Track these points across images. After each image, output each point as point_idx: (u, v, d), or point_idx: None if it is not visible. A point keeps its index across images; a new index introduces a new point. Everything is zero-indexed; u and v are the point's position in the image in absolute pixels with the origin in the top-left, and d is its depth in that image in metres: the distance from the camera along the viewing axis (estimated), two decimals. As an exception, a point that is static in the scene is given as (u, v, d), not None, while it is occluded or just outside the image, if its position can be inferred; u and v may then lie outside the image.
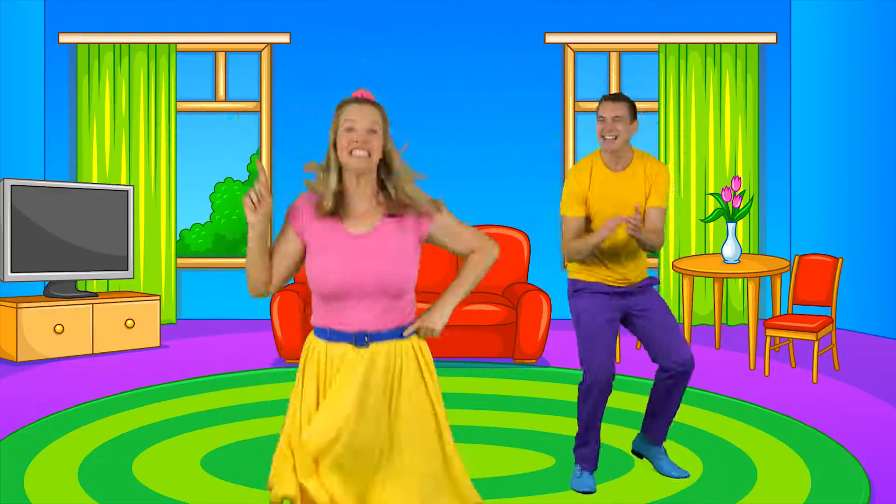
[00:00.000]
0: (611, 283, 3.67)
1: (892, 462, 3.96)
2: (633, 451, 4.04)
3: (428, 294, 6.24)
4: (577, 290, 3.71)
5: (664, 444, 3.97)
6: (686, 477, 3.76)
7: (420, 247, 2.45)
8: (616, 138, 3.57)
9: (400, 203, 2.40)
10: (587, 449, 3.71)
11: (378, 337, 2.37)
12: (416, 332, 2.44)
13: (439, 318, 2.47)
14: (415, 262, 2.41)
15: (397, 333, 2.40)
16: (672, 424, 3.89)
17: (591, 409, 3.65)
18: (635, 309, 3.69)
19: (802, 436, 4.35)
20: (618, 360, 6.63)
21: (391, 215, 2.41)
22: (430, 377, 2.44)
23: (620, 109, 3.58)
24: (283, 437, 2.40)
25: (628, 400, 4.99)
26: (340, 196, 2.42)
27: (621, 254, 3.65)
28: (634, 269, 3.69)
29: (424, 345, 2.47)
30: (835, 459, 3.98)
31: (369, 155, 2.37)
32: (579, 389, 3.67)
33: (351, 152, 2.37)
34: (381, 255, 2.36)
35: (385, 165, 2.43)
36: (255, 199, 2.34)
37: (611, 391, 3.66)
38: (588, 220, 3.67)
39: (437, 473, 2.39)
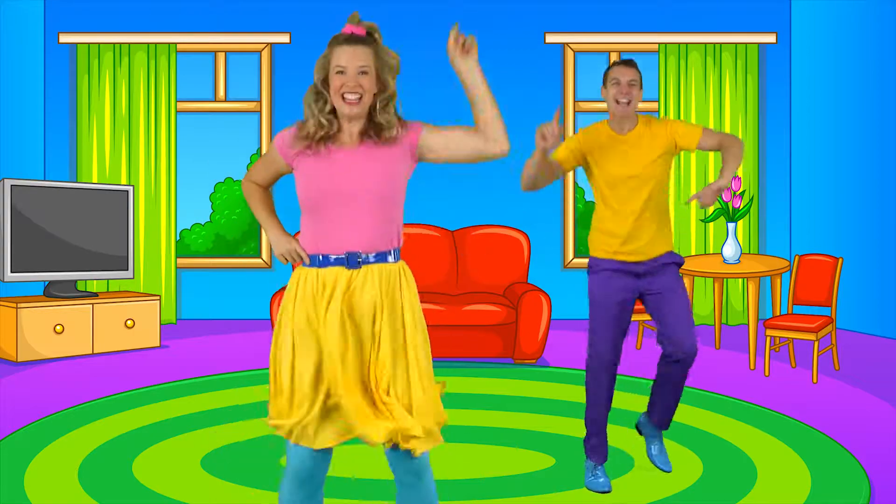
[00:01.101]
0: (623, 259, 3.61)
1: (892, 462, 3.96)
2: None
3: (429, 294, 6.24)
4: (592, 268, 3.69)
5: (665, 433, 3.98)
6: (667, 472, 3.78)
7: (410, 166, 2.46)
8: (629, 102, 3.55)
9: (386, 129, 2.43)
10: (595, 440, 3.71)
11: (369, 260, 2.41)
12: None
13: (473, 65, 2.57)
14: (403, 174, 2.43)
15: (385, 257, 2.43)
16: (673, 417, 3.85)
17: (594, 392, 3.66)
18: (650, 290, 3.63)
19: (802, 436, 4.35)
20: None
21: (374, 134, 2.43)
22: (414, 300, 2.48)
23: (635, 74, 3.58)
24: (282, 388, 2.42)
25: (629, 400, 4.99)
26: (329, 124, 2.45)
27: (633, 226, 3.57)
28: (650, 243, 3.59)
29: (408, 270, 2.51)
30: (835, 459, 3.98)
31: (360, 98, 2.39)
32: (586, 370, 3.71)
33: (343, 96, 2.38)
34: (369, 164, 2.39)
35: (379, 101, 2.44)
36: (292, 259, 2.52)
37: (614, 376, 3.66)
38: (562, 169, 3.67)
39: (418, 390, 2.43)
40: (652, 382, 3.87)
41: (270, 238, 2.58)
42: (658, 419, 3.83)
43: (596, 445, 3.72)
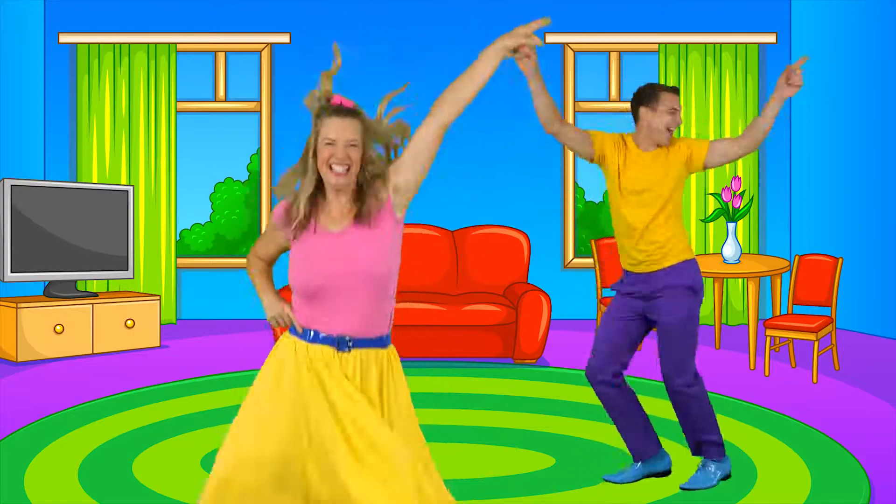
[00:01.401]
0: (629, 269, 3.66)
1: (892, 462, 3.96)
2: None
3: (429, 294, 6.24)
4: (613, 286, 3.79)
5: (665, 434, 3.98)
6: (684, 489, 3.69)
7: (398, 227, 2.44)
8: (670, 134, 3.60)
9: (369, 210, 2.40)
10: (628, 440, 3.74)
11: (360, 344, 2.38)
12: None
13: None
14: (394, 252, 2.42)
15: (379, 343, 2.41)
16: (702, 442, 3.71)
17: (597, 394, 3.70)
18: (653, 316, 3.64)
19: (802, 436, 4.35)
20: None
21: (362, 218, 2.40)
22: (403, 385, 2.46)
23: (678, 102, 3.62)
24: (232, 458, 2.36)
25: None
26: (315, 201, 2.44)
27: (639, 236, 3.59)
28: (655, 254, 3.59)
29: (395, 353, 2.48)
30: (835, 459, 3.98)
31: (348, 170, 2.38)
32: None
33: (331, 167, 2.38)
34: (361, 248, 2.37)
35: (363, 172, 2.42)
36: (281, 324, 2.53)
37: (608, 392, 3.65)
38: (588, 141, 3.67)
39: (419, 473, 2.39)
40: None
41: (263, 300, 2.60)
42: (692, 444, 3.75)
43: (630, 447, 3.74)
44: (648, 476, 3.74)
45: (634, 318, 3.67)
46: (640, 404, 3.73)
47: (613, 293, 3.76)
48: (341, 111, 2.43)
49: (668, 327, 3.59)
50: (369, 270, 2.36)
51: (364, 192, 2.41)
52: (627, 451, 4.12)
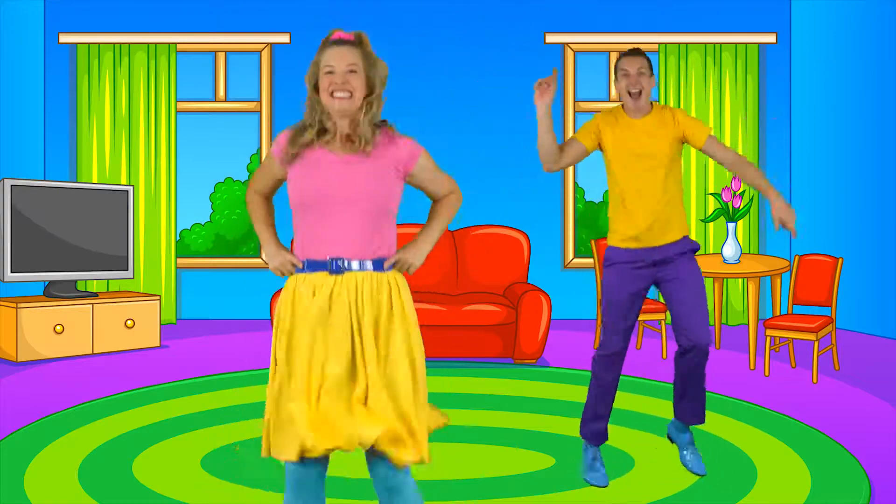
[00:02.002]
0: (638, 247, 3.64)
1: (892, 462, 3.96)
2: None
3: (429, 294, 6.24)
4: (608, 260, 3.73)
5: (665, 434, 3.98)
6: (702, 475, 3.76)
7: (402, 179, 2.50)
8: (640, 92, 3.60)
9: (361, 143, 2.44)
10: (595, 425, 3.76)
11: (353, 267, 2.41)
12: (394, 264, 2.50)
13: (417, 253, 2.54)
14: (396, 185, 2.47)
15: (375, 265, 2.44)
16: (705, 409, 3.85)
17: (602, 379, 3.71)
18: (664, 278, 3.65)
19: (802, 436, 4.35)
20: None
21: (365, 145, 2.45)
22: (403, 312, 2.46)
23: (642, 62, 3.62)
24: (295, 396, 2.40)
25: (628, 400, 4.99)
26: (322, 130, 2.48)
27: (648, 209, 3.60)
28: (664, 227, 3.60)
29: (402, 279, 2.50)
30: (835, 459, 3.98)
31: (351, 95, 2.41)
32: (594, 359, 3.76)
33: (332, 93, 2.41)
34: (356, 174, 2.41)
35: (368, 104, 2.45)
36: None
37: (620, 365, 3.71)
38: (584, 152, 3.70)
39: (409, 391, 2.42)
40: (672, 386, 3.89)
41: (266, 251, 2.60)
42: (691, 414, 3.82)
43: (596, 431, 3.78)
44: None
45: (641, 294, 3.68)
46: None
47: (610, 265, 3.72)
48: (341, 42, 2.46)
49: (685, 277, 3.61)
50: (367, 186, 2.40)
51: (362, 117, 2.44)
52: (627, 451, 4.12)
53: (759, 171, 3.56)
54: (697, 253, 7.85)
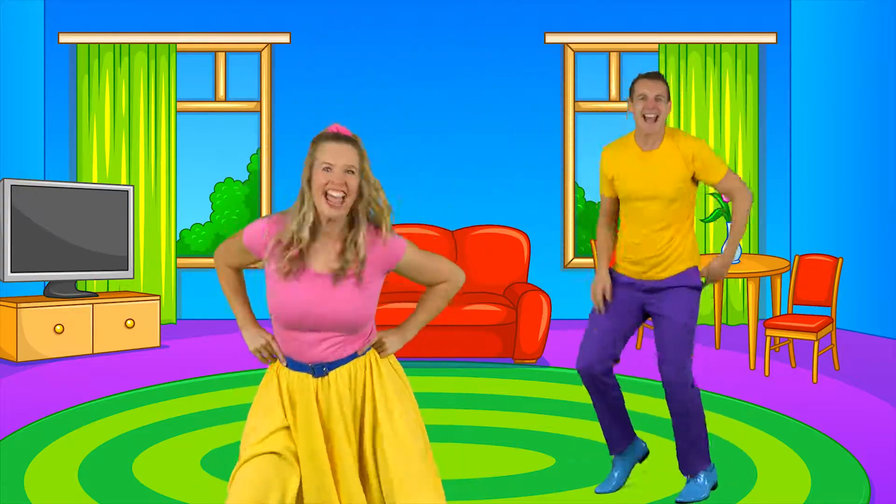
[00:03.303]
0: (632, 276, 3.55)
1: (892, 462, 3.96)
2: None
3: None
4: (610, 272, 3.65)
5: (664, 433, 3.93)
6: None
7: (382, 281, 2.39)
8: (656, 119, 3.44)
9: (354, 262, 2.31)
10: (608, 433, 3.67)
11: (335, 365, 2.34)
12: (372, 346, 2.41)
13: (398, 341, 2.46)
14: (375, 299, 2.37)
15: (354, 356, 2.36)
16: (691, 463, 3.57)
17: (590, 394, 3.64)
18: (651, 310, 3.54)
19: (802, 436, 4.35)
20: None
21: (348, 266, 2.31)
22: (388, 386, 2.39)
23: (661, 88, 3.46)
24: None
25: (629, 400, 4.98)
26: (310, 232, 2.33)
27: (644, 243, 3.48)
28: (662, 263, 3.48)
29: (375, 355, 2.41)
30: (835, 459, 3.98)
31: (344, 197, 2.28)
32: None
33: (326, 194, 2.28)
34: (341, 295, 2.30)
35: (358, 206, 2.32)
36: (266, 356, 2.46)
37: (600, 385, 3.56)
38: (617, 201, 3.59)
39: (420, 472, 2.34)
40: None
41: (244, 333, 2.51)
42: (682, 463, 3.60)
43: (608, 438, 3.68)
44: (633, 466, 3.70)
45: (632, 310, 3.56)
46: (623, 397, 3.67)
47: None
48: (339, 137, 2.33)
49: (668, 315, 3.47)
50: (348, 317, 2.31)
51: (355, 232, 2.31)
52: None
53: (744, 216, 3.51)
54: (701, 254, 7.86)
